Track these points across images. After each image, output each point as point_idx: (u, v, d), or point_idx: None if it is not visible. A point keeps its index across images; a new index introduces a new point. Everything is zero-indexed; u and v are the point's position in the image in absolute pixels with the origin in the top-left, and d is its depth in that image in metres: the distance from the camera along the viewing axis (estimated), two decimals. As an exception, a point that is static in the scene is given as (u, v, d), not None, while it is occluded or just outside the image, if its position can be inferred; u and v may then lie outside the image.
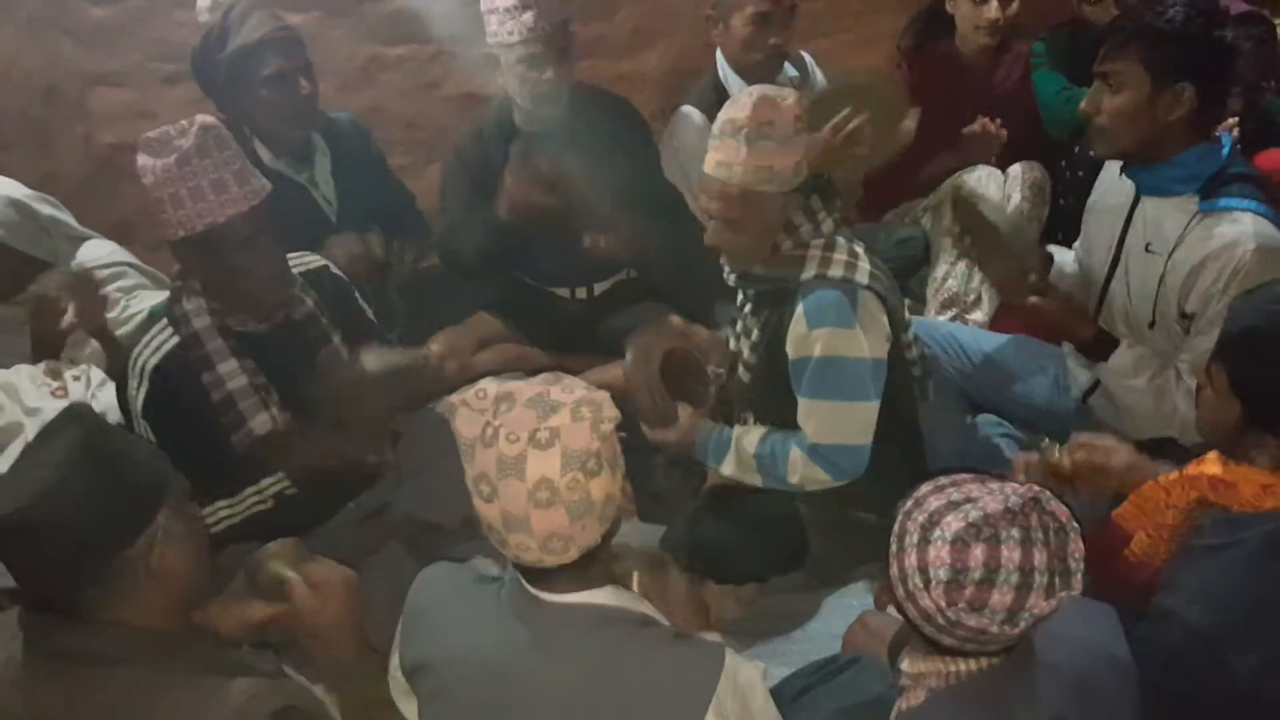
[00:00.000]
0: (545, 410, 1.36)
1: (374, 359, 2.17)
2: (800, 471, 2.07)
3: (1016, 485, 1.34)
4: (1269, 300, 1.65)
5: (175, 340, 2.04)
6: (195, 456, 1.97)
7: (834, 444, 2.04)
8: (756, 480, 2.15)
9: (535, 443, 1.33)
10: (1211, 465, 1.66)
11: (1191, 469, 1.69)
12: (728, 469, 2.17)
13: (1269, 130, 2.76)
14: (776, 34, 2.78)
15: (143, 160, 1.95)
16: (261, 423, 2.06)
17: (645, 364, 2.18)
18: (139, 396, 2.02)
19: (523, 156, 2.62)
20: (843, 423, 2.04)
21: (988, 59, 3.10)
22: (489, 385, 1.41)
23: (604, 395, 1.41)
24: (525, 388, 1.40)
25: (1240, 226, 2.02)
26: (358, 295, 2.36)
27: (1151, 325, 2.20)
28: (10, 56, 3.20)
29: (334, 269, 2.31)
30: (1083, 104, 2.17)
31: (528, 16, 2.51)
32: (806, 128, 1.98)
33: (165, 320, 2.07)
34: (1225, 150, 2.13)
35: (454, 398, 1.42)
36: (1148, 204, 2.19)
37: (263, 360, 2.08)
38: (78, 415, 1.43)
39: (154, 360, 2.02)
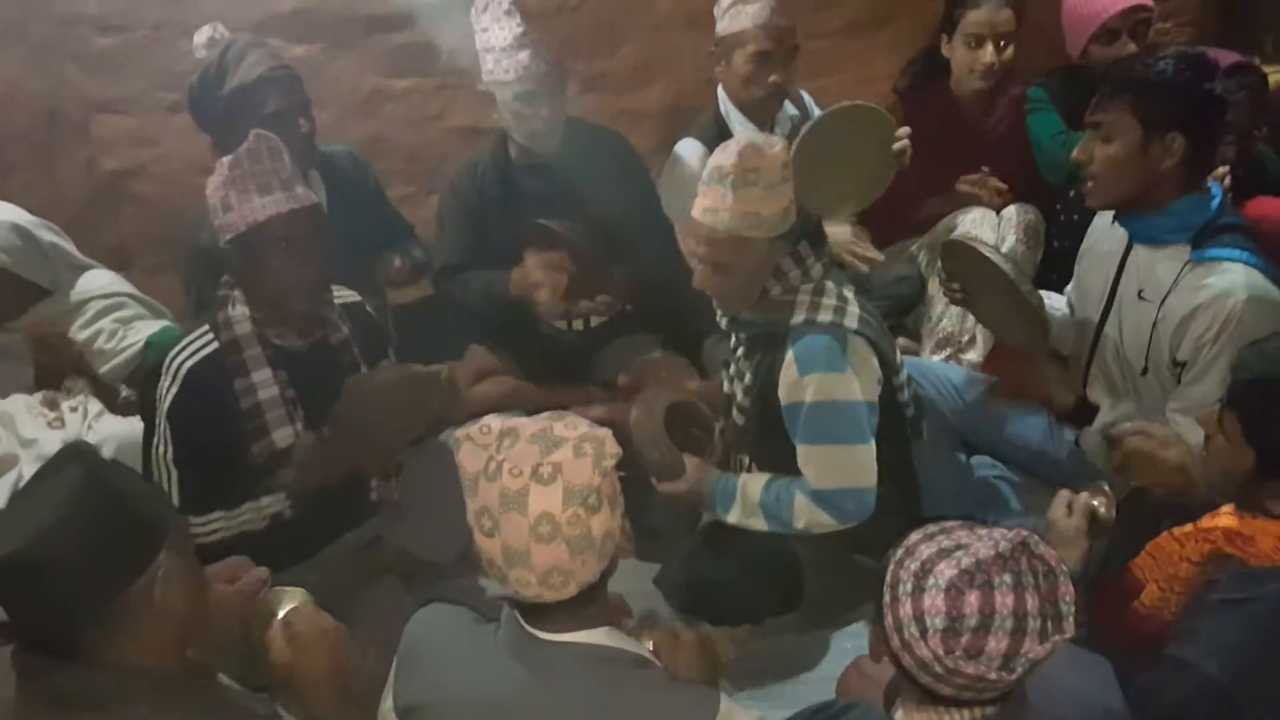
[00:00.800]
0: (548, 445, 1.37)
1: (391, 368, 2.22)
2: (806, 516, 2.09)
3: (1004, 530, 1.35)
4: None
5: (215, 345, 2.07)
6: (210, 464, 2.03)
7: (837, 488, 2.06)
8: (763, 526, 2.15)
9: (538, 477, 1.35)
10: (1227, 518, 1.67)
11: (1206, 522, 1.70)
12: (734, 517, 2.18)
13: (1260, 177, 2.79)
14: (777, 72, 2.82)
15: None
16: (284, 436, 2.09)
17: (650, 419, 2.19)
18: (168, 396, 2.03)
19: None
20: (843, 466, 2.05)
21: (983, 102, 3.13)
22: (493, 421, 1.43)
23: (606, 432, 1.42)
24: (529, 423, 1.42)
25: (1231, 277, 2.05)
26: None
27: (1144, 372, 2.22)
28: (16, 81, 3.24)
29: (368, 306, 2.36)
30: (1075, 152, 2.20)
31: (523, 55, 2.56)
32: (793, 175, 2.01)
33: (206, 326, 2.10)
34: (1216, 201, 2.16)
35: (459, 432, 1.43)
36: (1140, 252, 2.22)
37: (295, 377, 2.11)
38: (78, 453, 1.43)
39: (191, 362, 2.04)
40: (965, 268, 2.41)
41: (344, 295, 2.29)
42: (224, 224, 2.01)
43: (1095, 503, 1.84)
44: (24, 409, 2.28)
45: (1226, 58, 2.85)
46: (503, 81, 2.61)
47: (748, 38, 2.79)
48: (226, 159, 2.01)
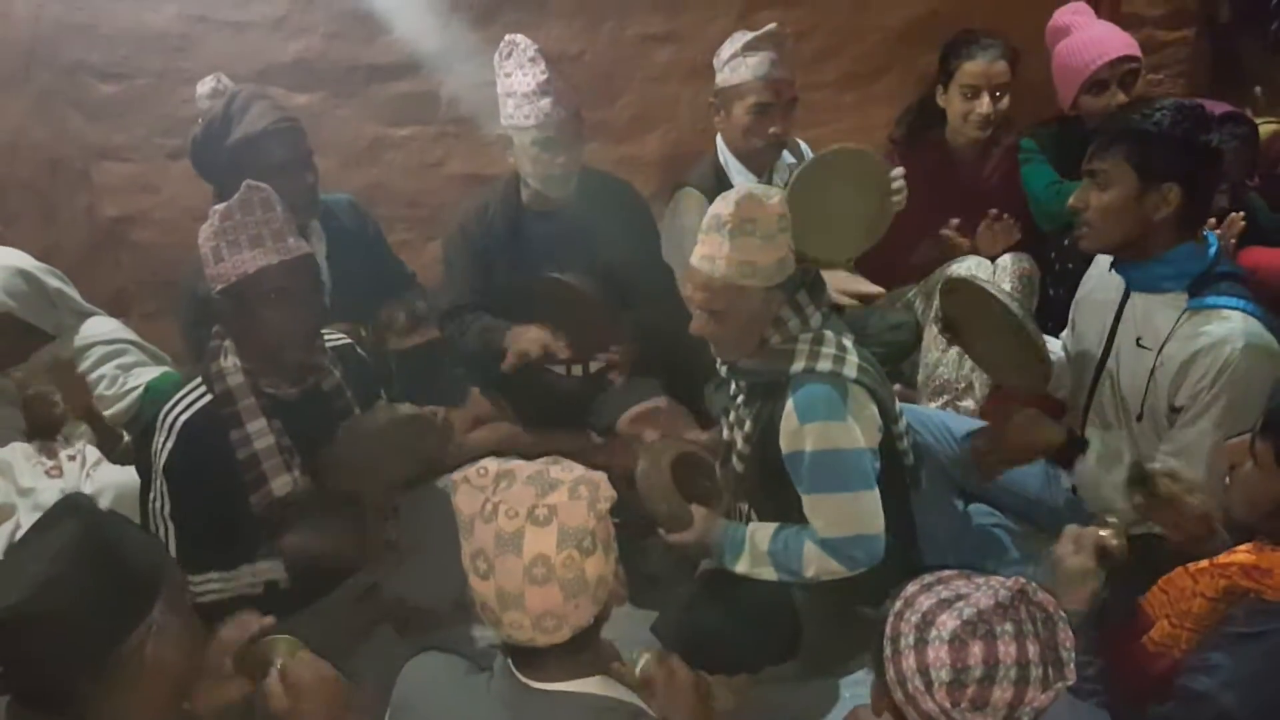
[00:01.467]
0: (544, 488, 1.38)
1: (386, 410, 2.21)
2: (816, 565, 2.08)
3: (1002, 579, 1.35)
4: None
5: (208, 398, 2.07)
6: (208, 517, 2.03)
7: (846, 536, 2.05)
8: (771, 575, 2.14)
9: (533, 519, 1.35)
10: (1244, 554, 1.68)
11: (1223, 557, 1.70)
12: (742, 566, 2.16)
13: (1252, 228, 2.82)
14: (777, 123, 2.86)
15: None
16: (282, 484, 2.08)
17: (657, 470, 2.18)
18: (164, 452, 2.03)
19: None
20: (851, 514, 2.05)
21: (978, 151, 3.17)
22: (490, 463, 1.43)
23: (601, 476, 1.43)
24: (525, 466, 1.43)
25: (1229, 324, 2.06)
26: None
27: (1139, 418, 2.22)
28: (19, 129, 3.27)
29: (359, 349, 2.36)
30: (1071, 199, 2.21)
31: (545, 103, 2.59)
32: (790, 226, 2.02)
33: (199, 379, 2.10)
34: (1213, 250, 2.17)
35: (455, 475, 1.43)
36: (1138, 299, 2.23)
37: (290, 425, 2.11)
38: (75, 507, 1.43)
39: (185, 416, 2.04)
40: (966, 307, 2.40)
41: (335, 338, 2.29)
42: (215, 274, 2.02)
43: (1104, 534, 1.81)
44: (21, 457, 2.27)
45: (1218, 108, 2.89)
46: (522, 127, 2.64)
47: (748, 90, 2.83)
48: (218, 209, 2.02)
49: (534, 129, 2.62)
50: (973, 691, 1.28)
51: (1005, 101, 3.06)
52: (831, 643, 2.25)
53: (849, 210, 2.62)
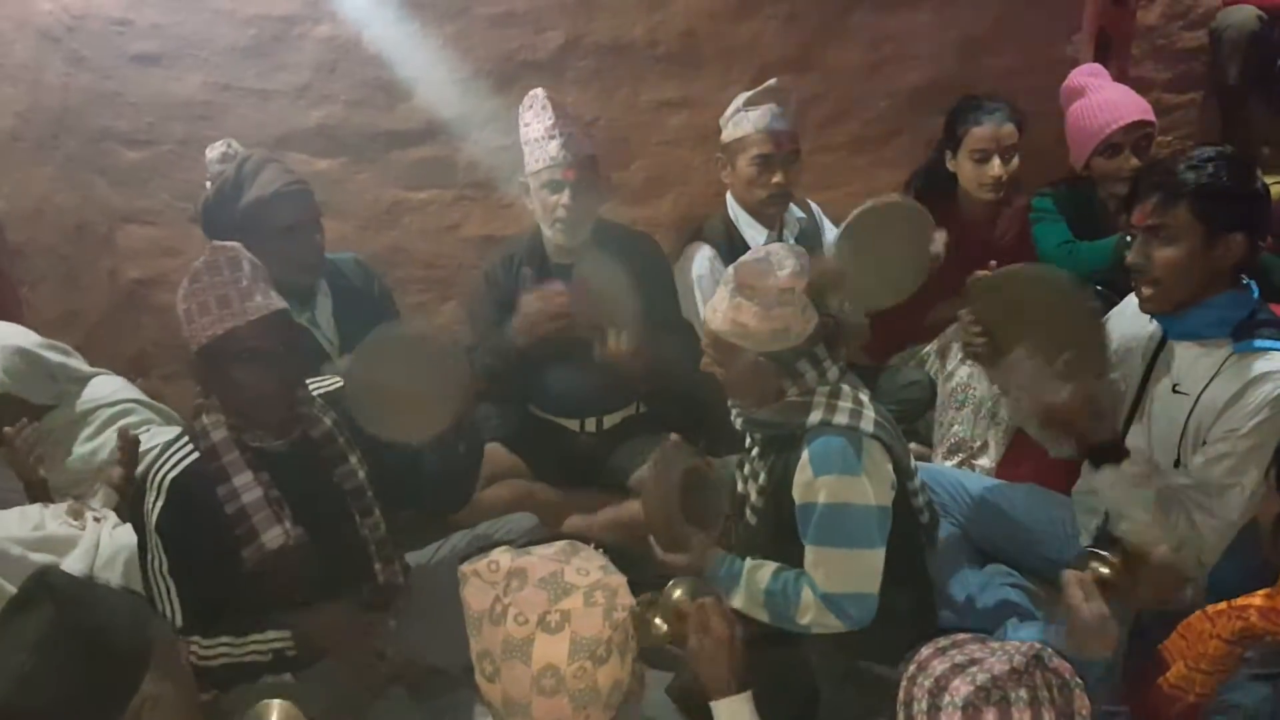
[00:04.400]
0: (558, 592, 1.31)
1: (413, 327, 2.21)
2: (812, 615, 2.05)
3: (1018, 644, 1.34)
4: None
5: (194, 455, 2.07)
6: (208, 573, 2.02)
7: (844, 593, 2.03)
8: (764, 616, 2.11)
9: (544, 626, 1.29)
10: (1261, 598, 1.68)
11: (1240, 601, 1.70)
12: (736, 602, 2.13)
13: (1265, 286, 2.82)
14: (779, 173, 2.93)
15: None
16: (274, 537, 2.07)
17: (665, 478, 2.17)
18: (154, 511, 2.03)
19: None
20: (851, 571, 2.03)
21: (988, 213, 3.20)
22: (502, 557, 1.37)
23: (620, 580, 1.36)
24: (538, 564, 1.35)
25: (1278, 364, 2.04)
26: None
27: (1176, 464, 2.19)
28: (45, 195, 3.33)
29: None
30: (1131, 257, 2.17)
31: (552, 145, 2.67)
32: (798, 299, 2.02)
33: (185, 437, 2.11)
34: (1256, 295, 2.17)
35: (465, 567, 1.38)
36: (1177, 348, 2.21)
37: (279, 477, 2.11)
38: (49, 586, 1.39)
39: (173, 474, 2.05)
40: (1010, 303, 2.31)
41: (326, 383, 2.27)
42: (189, 335, 2.04)
43: (1102, 570, 1.82)
44: (50, 518, 2.30)
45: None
46: (533, 171, 2.71)
47: (750, 142, 2.91)
48: (187, 276, 2.04)
49: (544, 170, 2.68)
50: None
51: (1015, 163, 3.09)
52: (847, 705, 2.21)
53: (895, 258, 2.67)
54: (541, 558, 1.36)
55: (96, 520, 2.37)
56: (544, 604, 1.30)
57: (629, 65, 3.55)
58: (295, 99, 3.42)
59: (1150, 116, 3.02)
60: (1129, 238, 2.19)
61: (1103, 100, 3.04)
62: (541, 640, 1.28)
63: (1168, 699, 1.72)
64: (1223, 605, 1.72)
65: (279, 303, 2.09)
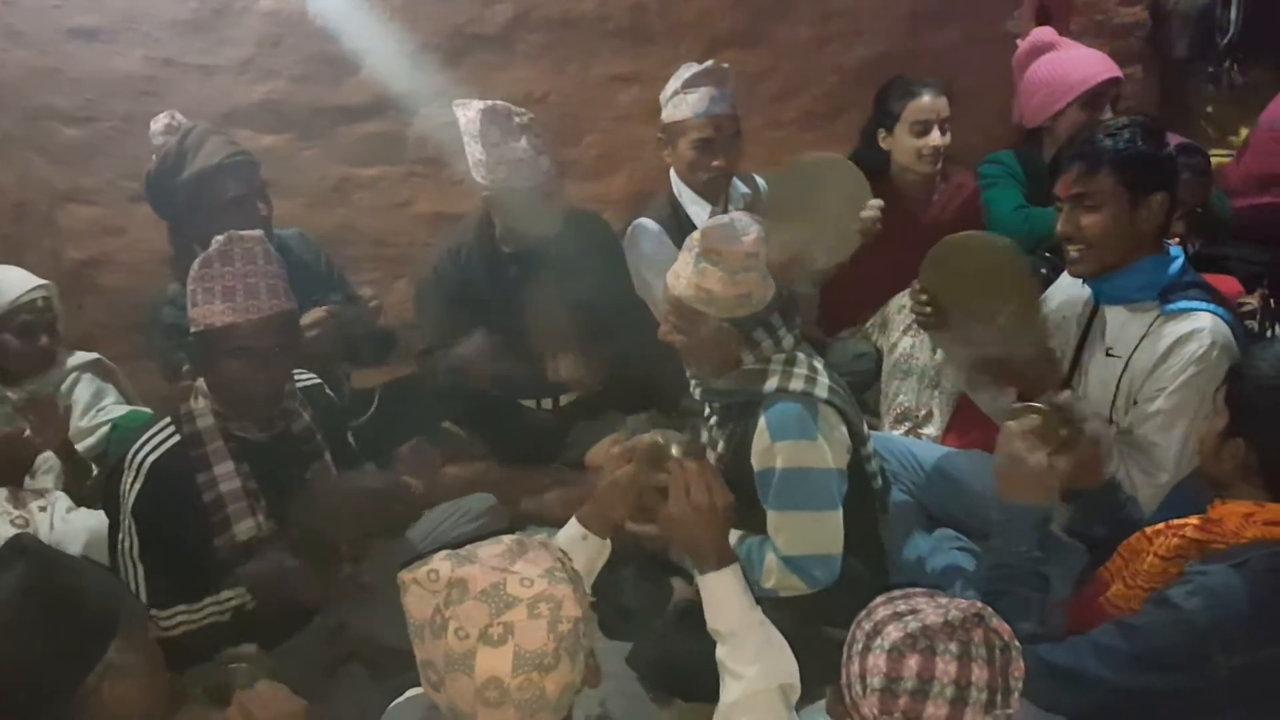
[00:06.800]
0: (500, 606, 1.25)
1: (359, 479, 2.21)
2: (776, 578, 2.09)
3: (961, 601, 1.37)
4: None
5: (177, 439, 2.06)
6: (176, 557, 2.01)
7: (807, 555, 2.06)
8: None
9: (486, 639, 1.24)
10: (1196, 518, 1.74)
11: (1177, 521, 1.76)
12: None
13: (1213, 225, 2.91)
14: (720, 157, 2.92)
15: None
16: (246, 528, 2.07)
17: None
18: (132, 492, 2.02)
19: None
20: (813, 533, 2.07)
21: (924, 187, 3.24)
22: (442, 565, 1.30)
23: (566, 591, 1.30)
24: (480, 574, 1.28)
25: (1202, 323, 2.13)
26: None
27: (1108, 422, 2.27)
28: (-17, 175, 3.25)
29: (327, 388, 2.36)
30: (1059, 227, 2.25)
31: (544, 161, 2.68)
32: (760, 265, 2.04)
33: (168, 419, 2.09)
34: (1179, 259, 2.24)
35: (405, 574, 1.32)
36: (1109, 312, 2.30)
37: (258, 468, 2.10)
38: (22, 549, 1.39)
39: (154, 457, 2.03)
40: (956, 274, 2.43)
41: (304, 379, 2.29)
42: (192, 317, 2.04)
43: (1038, 421, 1.88)
44: None
45: (1173, 139, 2.99)
46: (516, 188, 2.71)
47: (690, 126, 2.91)
48: (200, 257, 2.03)
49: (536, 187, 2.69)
50: (904, 703, 1.30)
51: (949, 135, 3.15)
52: (806, 668, 2.25)
53: (822, 218, 2.70)
54: (484, 565, 1.30)
55: (43, 510, 2.33)
56: (485, 618, 1.25)
57: (579, 39, 3.54)
58: (239, 74, 3.36)
59: (1121, 76, 3.08)
60: (1057, 209, 2.26)
61: (1082, 54, 3.11)
62: (484, 653, 1.24)
63: (1109, 618, 1.76)
64: (1160, 525, 1.78)
65: (287, 303, 2.09)
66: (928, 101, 3.10)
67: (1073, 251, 2.24)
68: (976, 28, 3.69)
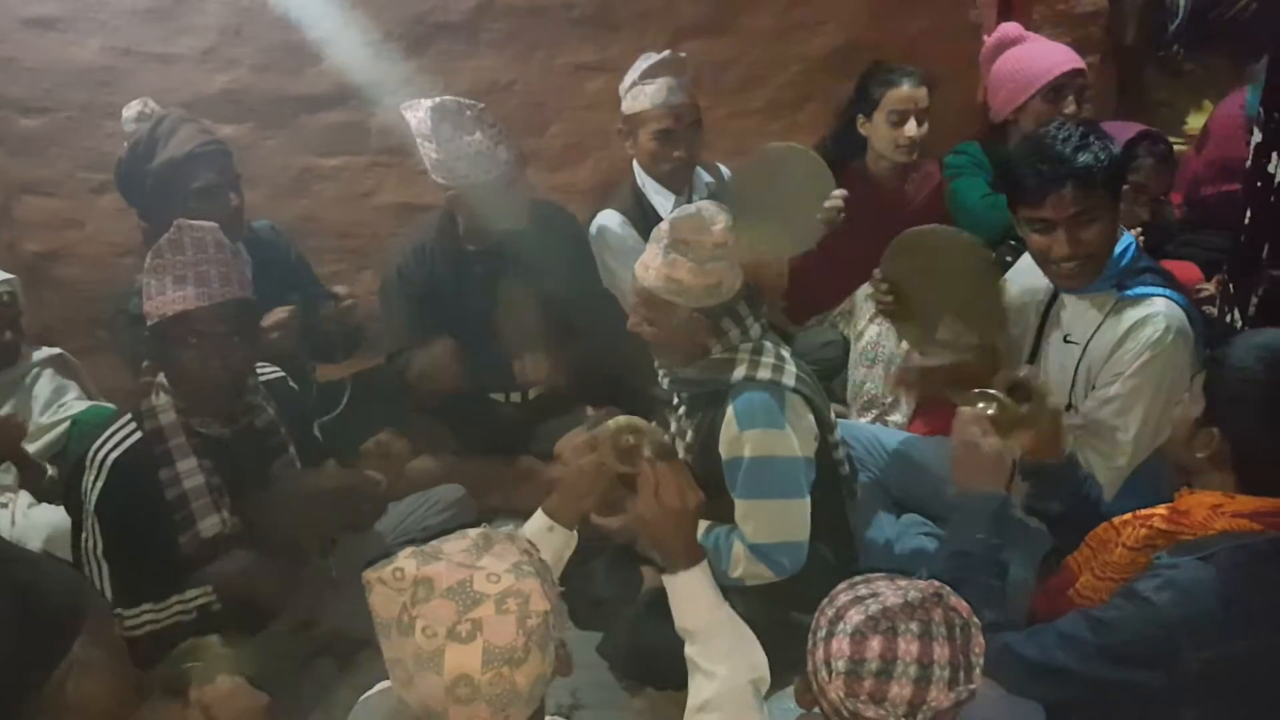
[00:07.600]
0: (467, 603, 1.24)
1: (323, 478, 2.19)
2: (743, 567, 2.10)
3: (919, 582, 1.38)
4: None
5: (138, 435, 2.04)
6: (141, 556, 2.00)
7: (774, 543, 2.08)
8: None
9: (455, 637, 1.22)
10: (1164, 508, 1.74)
11: (1144, 511, 1.77)
12: None
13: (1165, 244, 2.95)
14: (681, 147, 2.92)
15: None
16: (210, 525, 2.06)
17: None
18: (94, 491, 1.99)
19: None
20: (780, 521, 2.08)
21: (897, 176, 3.26)
22: (407, 564, 1.28)
23: (533, 585, 1.28)
24: (445, 571, 1.27)
25: (1157, 308, 2.16)
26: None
27: (1068, 408, 2.30)
28: (-64, 165, 3.20)
29: (290, 381, 2.33)
30: (1063, 249, 2.19)
31: (501, 150, 2.65)
32: (729, 254, 2.05)
33: (129, 415, 2.07)
34: (1132, 245, 2.27)
35: (369, 574, 1.29)
36: (1068, 300, 2.33)
37: (221, 464, 2.08)
38: None
39: (115, 454, 2.01)
40: (918, 260, 2.47)
41: (267, 372, 2.27)
42: (146, 311, 2.02)
43: (992, 410, 1.91)
44: None
45: (1135, 128, 3.04)
46: (475, 183, 2.68)
47: (649, 117, 2.90)
48: (153, 248, 2.01)
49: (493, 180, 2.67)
50: (870, 685, 1.31)
51: (926, 126, 3.15)
52: (775, 654, 2.27)
53: (786, 207, 2.71)
54: (449, 562, 1.28)
55: (3, 506, 2.30)
56: (453, 615, 1.23)
57: (545, 28, 3.52)
58: (199, 63, 3.33)
59: (1085, 68, 3.11)
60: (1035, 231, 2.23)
61: (1045, 48, 3.12)
62: (453, 650, 1.22)
63: (1078, 608, 1.77)
64: (1128, 515, 1.79)
65: (239, 290, 2.06)
66: (906, 91, 3.09)
67: (1069, 266, 2.21)
68: (941, 16, 3.71)
